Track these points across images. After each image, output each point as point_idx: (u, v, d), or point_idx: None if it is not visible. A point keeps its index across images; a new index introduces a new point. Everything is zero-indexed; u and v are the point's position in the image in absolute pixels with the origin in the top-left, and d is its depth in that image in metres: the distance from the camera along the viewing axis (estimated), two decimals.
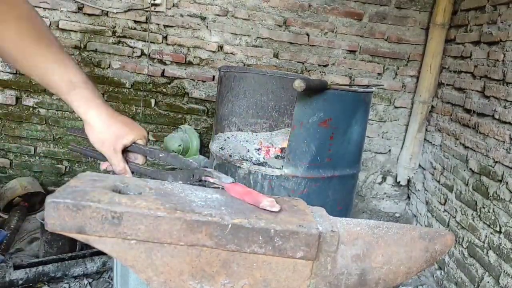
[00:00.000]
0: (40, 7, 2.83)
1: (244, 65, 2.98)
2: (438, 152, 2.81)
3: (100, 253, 2.18)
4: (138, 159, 0.87)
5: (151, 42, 2.92)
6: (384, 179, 3.26)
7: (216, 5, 2.90)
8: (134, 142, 0.84)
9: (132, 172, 0.85)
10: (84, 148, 0.95)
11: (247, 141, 2.21)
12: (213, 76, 3.01)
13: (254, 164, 1.91)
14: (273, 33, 2.96)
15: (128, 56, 2.95)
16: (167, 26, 2.92)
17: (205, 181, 0.79)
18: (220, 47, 2.98)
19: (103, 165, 0.88)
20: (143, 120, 3.04)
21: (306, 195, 1.82)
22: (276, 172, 1.82)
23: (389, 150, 3.20)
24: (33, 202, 2.79)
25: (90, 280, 2.16)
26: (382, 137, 3.18)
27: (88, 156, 0.95)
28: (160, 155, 0.85)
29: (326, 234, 0.64)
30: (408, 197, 3.26)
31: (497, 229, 2.05)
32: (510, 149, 2.02)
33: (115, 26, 2.90)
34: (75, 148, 0.98)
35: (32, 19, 0.78)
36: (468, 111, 2.47)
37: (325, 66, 3.02)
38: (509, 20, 2.16)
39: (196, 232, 0.60)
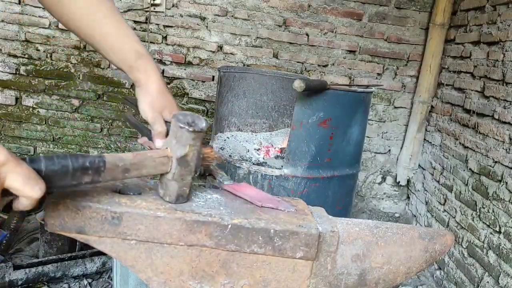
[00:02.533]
0: (40, 7, 2.82)
1: (243, 65, 2.98)
2: (437, 152, 2.81)
3: (100, 253, 2.18)
4: None
5: (150, 42, 2.92)
6: (383, 179, 3.26)
7: (216, 5, 2.90)
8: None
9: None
10: (134, 118, 1.01)
11: (246, 141, 2.21)
12: (213, 76, 3.01)
13: (253, 164, 1.91)
14: (272, 33, 2.96)
15: None
16: (167, 26, 2.92)
17: (208, 175, 0.79)
18: (220, 47, 2.98)
19: (141, 140, 0.93)
20: (143, 120, 3.03)
21: (305, 195, 1.82)
22: (276, 172, 1.83)
23: (389, 150, 3.20)
24: None
25: (90, 280, 2.16)
26: (382, 137, 3.18)
27: (133, 125, 1.00)
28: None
29: (326, 234, 0.64)
30: (408, 197, 3.26)
31: (497, 229, 2.05)
32: (509, 149, 2.02)
33: None
34: (128, 117, 1.05)
35: None
36: (467, 111, 2.47)
37: (324, 66, 3.02)
38: (508, 20, 2.16)
39: (196, 232, 0.60)
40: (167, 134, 0.86)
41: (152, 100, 0.85)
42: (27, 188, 0.51)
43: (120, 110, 3.03)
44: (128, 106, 3.03)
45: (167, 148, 0.65)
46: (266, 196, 0.71)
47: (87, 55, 2.93)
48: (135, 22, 2.90)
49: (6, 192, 0.52)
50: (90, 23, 0.81)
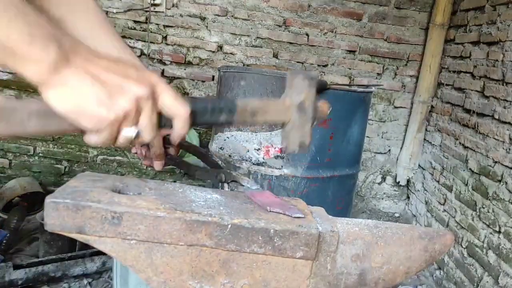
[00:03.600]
0: None
1: (243, 65, 2.98)
2: (437, 152, 2.81)
3: (99, 253, 2.18)
4: (171, 149, 0.89)
5: (150, 42, 2.93)
6: (383, 179, 3.26)
7: (216, 5, 2.91)
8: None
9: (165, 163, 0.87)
10: None
11: (246, 141, 2.21)
12: (213, 76, 3.01)
13: (253, 164, 1.91)
14: (272, 33, 2.96)
15: None
16: (167, 26, 2.92)
17: (232, 182, 0.80)
18: (220, 47, 2.98)
19: (134, 149, 0.91)
20: None
21: (305, 195, 1.82)
22: (276, 172, 1.83)
23: (389, 150, 3.21)
24: (32, 202, 2.79)
25: (90, 280, 2.16)
26: (382, 137, 3.18)
27: None
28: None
29: (325, 234, 0.64)
30: (408, 197, 3.26)
31: (497, 229, 2.05)
32: (509, 149, 2.02)
33: (115, 26, 2.90)
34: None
35: (98, 12, 0.85)
36: (467, 111, 2.47)
37: (324, 66, 3.02)
38: (508, 20, 2.16)
39: (195, 232, 0.60)
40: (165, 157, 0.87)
41: None
42: (176, 105, 0.55)
43: None
44: None
45: (288, 98, 0.68)
46: (279, 202, 0.71)
47: None
48: (135, 22, 2.90)
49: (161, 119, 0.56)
50: (88, 43, 0.82)
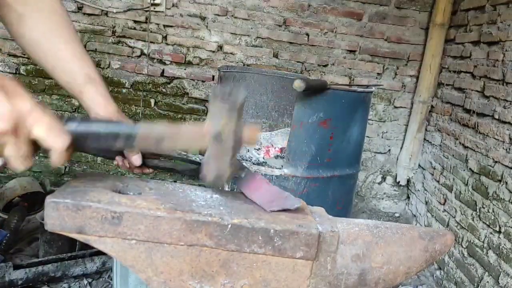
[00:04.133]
0: None
1: (243, 65, 2.98)
2: (437, 152, 2.81)
3: (99, 253, 2.18)
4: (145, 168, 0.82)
5: (150, 42, 2.92)
6: (383, 179, 3.26)
7: (216, 5, 2.90)
8: None
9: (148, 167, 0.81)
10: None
11: None
12: (213, 76, 3.01)
13: (254, 164, 1.91)
14: (272, 33, 2.96)
15: (128, 56, 2.95)
16: (167, 26, 2.92)
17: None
18: (220, 47, 2.98)
19: (116, 161, 0.85)
20: (142, 120, 3.04)
21: (305, 195, 1.82)
22: (276, 172, 1.83)
23: (389, 150, 3.20)
24: (32, 202, 2.79)
25: (90, 280, 2.16)
26: (382, 137, 3.18)
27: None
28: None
29: (326, 234, 0.64)
30: (408, 197, 3.26)
31: (497, 229, 2.05)
32: (509, 149, 2.02)
33: (114, 26, 2.90)
34: None
35: (59, 12, 0.81)
36: (467, 111, 2.47)
37: (324, 66, 3.02)
38: (508, 20, 2.16)
39: (196, 232, 0.60)
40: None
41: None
42: (50, 138, 0.51)
43: (120, 110, 3.03)
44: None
45: (207, 123, 0.61)
46: (275, 193, 0.70)
47: None
48: (135, 22, 2.90)
49: (37, 146, 0.53)
50: (44, 44, 0.79)
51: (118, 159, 0.79)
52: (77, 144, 0.54)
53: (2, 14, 0.79)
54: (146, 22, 2.90)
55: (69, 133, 0.53)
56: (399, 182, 3.19)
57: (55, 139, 0.52)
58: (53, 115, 0.53)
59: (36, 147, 0.53)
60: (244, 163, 1.88)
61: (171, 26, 2.92)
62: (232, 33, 2.95)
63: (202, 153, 0.62)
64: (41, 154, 3.02)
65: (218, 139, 0.59)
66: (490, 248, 2.09)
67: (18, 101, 0.49)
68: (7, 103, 0.48)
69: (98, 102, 0.79)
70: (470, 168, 2.36)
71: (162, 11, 2.89)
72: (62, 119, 0.55)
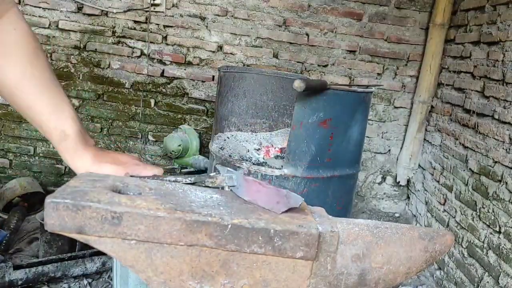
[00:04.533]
0: (40, 7, 2.83)
1: (243, 65, 2.98)
2: (437, 152, 2.81)
3: (99, 253, 2.18)
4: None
5: (150, 42, 2.92)
6: (383, 179, 3.26)
7: (216, 5, 2.90)
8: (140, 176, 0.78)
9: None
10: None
11: (246, 141, 2.21)
12: (213, 76, 3.01)
13: (253, 164, 1.91)
14: (272, 33, 2.96)
15: (128, 56, 2.95)
16: (167, 26, 2.92)
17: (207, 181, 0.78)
18: (220, 47, 2.98)
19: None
20: (142, 120, 3.04)
21: (305, 195, 1.82)
22: (276, 172, 1.83)
23: (389, 150, 3.20)
24: (32, 202, 2.79)
25: (90, 280, 2.16)
26: (382, 137, 3.18)
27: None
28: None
29: (326, 234, 0.64)
30: (408, 197, 3.26)
31: (497, 229, 2.05)
32: (509, 149, 2.02)
33: (114, 26, 2.90)
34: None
35: (37, 57, 0.76)
36: (467, 111, 2.47)
37: (324, 66, 3.02)
38: (508, 20, 2.16)
39: (195, 232, 0.60)
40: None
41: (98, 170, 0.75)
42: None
43: (120, 110, 3.03)
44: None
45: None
46: (276, 193, 0.71)
47: (87, 55, 2.93)
48: (135, 22, 2.90)
49: None
50: (19, 93, 0.73)
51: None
52: None
53: None
54: (146, 22, 2.90)
55: None
56: (399, 182, 3.19)
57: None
58: None
59: None
60: (244, 163, 1.88)
61: (171, 26, 2.92)
62: (232, 33, 2.95)
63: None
64: (41, 155, 3.03)
65: None
66: (490, 248, 2.09)
67: None
68: None
69: (71, 158, 0.76)
70: (470, 168, 2.36)
71: (162, 11, 2.89)
72: None
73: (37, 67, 0.75)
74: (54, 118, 0.74)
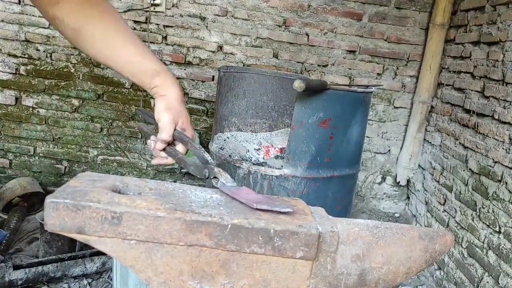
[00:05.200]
0: None
1: (243, 65, 2.98)
2: (437, 152, 2.81)
3: (99, 253, 2.18)
4: (178, 146, 0.92)
5: (150, 42, 2.92)
6: (383, 179, 3.26)
7: (216, 5, 2.90)
8: (183, 133, 0.91)
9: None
10: (147, 112, 1.04)
11: (246, 141, 2.21)
12: (213, 76, 3.01)
13: (253, 164, 1.91)
14: (272, 33, 2.96)
15: None
16: (167, 26, 2.92)
17: (213, 178, 0.78)
18: (220, 47, 2.98)
19: (150, 142, 0.95)
20: (142, 120, 3.04)
21: (305, 195, 1.82)
22: (276, 172, 1.83)
23: (389, 150, 3.20)
24: (32, 202, 2.79)
25: (90, 280, 2.16)
26: (382, 137, 3.18)
27: (147, 121, 1.03)
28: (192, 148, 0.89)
29: (325, 234, 0.64)
30: (408, 197, 3.26)
31: (497, 229, 2.05)
32: (509, 149, 2.02)
33: None
34: (141, 110, 1.11)
35: (113, 14, 0.87)
36: (467, 111, 2.47)
37: (324, 66, 3.02)
38: (508, 20, 2.16)
39: (195, 232, 0.60)
40: (171, 144, 0.91)
41: (168, 105, 0.89)
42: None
43: (120, 110, 3.03)
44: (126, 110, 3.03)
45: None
46: (264, 198, 0.70)
47: (87, 55, 2.93)
48: (135, 22, 2.90)
49: None
50: (107, 48, 0.87)
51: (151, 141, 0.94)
52: None
53: (59, 30, 0.87)
54: (146, 22, 2.90)
55: None
56: (399, 182, 3.19)
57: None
58: None
59: None
60: (244, 163, 1.88)
61: (171, 27, 2.92)
62: (232, 33, 2.95)
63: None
64: (40, 155, 3.03)
65: None
66: (490, 249, 2.09)
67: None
68: None
69: (164, 91, 0.89)
70: (470, 168, 2.36)
71: (162, 12, 2.89)
72: None
73: (115, 21, 0.87)
74: (144, 62, 0.88)
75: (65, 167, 3.10)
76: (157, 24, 2.91)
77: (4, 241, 2.28)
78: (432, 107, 2.96)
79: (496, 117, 2.15)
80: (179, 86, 0.92)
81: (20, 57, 2.90)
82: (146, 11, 2.87)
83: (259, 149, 2.11)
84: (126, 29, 0.88)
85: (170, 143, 0.92)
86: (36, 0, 0.83)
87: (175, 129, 0.90)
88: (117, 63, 0.89)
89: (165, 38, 2.94)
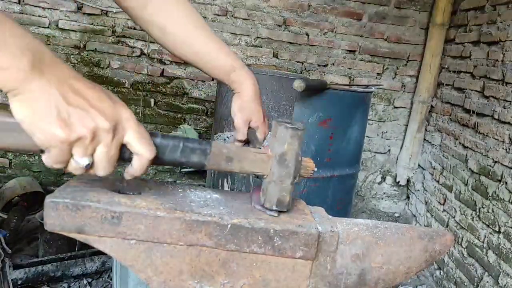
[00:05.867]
0: (40, 7, 2.82)
1: None
2: (437, 152, 2.81)
3: (99, 253, 2.18)
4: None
5: (150, 42, 2.92)
6: (383, 179, 3.26)
7: (216, 5, 2.90)
8: (254, 133, 0.92)
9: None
10: None
11: None
12: None
13: None
14: (272, 33, 2.96)
15: (128, 56, 2.95)
16: None
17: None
18: None
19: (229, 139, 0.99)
20: (142, 120, 3.03)
21: (305, 194, 1.82)
22: None
23: (389, 150, 3.20)
24: (32, 202, 2.79)
25: (90, 280, 2.16)
26: (382, 137, 3.18)
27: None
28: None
29: (325, 234, 0.64)
30: (408, 197, 3.26)
31: (496, 229, 2.05)
32: (509, 149, 2.02)
33: (114, 26, 2.90)
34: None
35: (187, 4, 0.90)
36: (467, 111, 2.47)
37: (324, 66, 3.02)
38: (508, 20, 2.16)
39: (195, 232, 0.60)
40: (247, 143, 0.92)
41: (241, 105, 0.91)
42: (141, 145, 0.55)
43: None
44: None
45: (268, 148, 0.65)
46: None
47: (87, 55, 2.93)
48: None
49: (124, 152, 0.56)
50: (185, 40, 0.90)
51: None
52: (158, 155, 0.59)
53: (149, 33, 0.91)
54: None
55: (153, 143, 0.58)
56: (398, 182, 3.19)
57: (146, 147, 0.55)
58: (143, 127, 0.56)
59: (120, 156, 0.55)
60: None
61: None
62: (232, 33, 2.95)
63: (263, 177, 0.66)
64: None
65: (282, 161, 0.62)
66: (489, 248, 2.09)
67: (121, 107, 0.53)
68: (113, 105, 0.52)
69: (240, 86, 0.91)
70: (470, 168, 2.36)
71: None
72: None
73: (190, 12, 0.90)
74: (221, 57, 0.90)
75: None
76: None
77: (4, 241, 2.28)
78: (432, 107, 2.96)
79: (496, 117, 2.15)
80: (254, 82, 0.92)
81: None
82: None
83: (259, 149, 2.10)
84: (204, 27, 0.91)
85: (247, 142, 0.94)
86: (124, 3, 0.88)
87: (249, 128, 0.91)
88: (198, 63, 0.93)
89: None
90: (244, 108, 0.90)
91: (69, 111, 0.49)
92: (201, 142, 0.62)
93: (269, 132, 0.81)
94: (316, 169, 0.68)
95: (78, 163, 0.52)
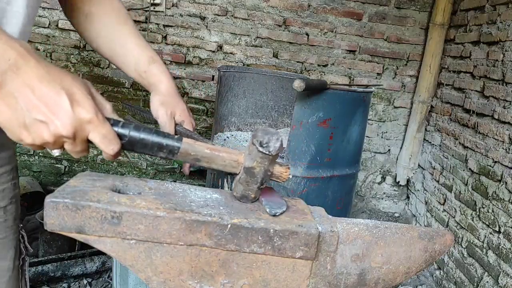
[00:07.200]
0: (40, 7, 2.82)
1: (243, 65, 2.98)
2: (437, 152, 2.81)
3: (99, 253, 2.18)
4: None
5: (150, 42, 2.92)
6: (383, 179, 3.26)
7: (216, 5, 2.90)
8: (182, 126, 0.92)
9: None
10: (139, 108, 1.06)
11: (246, 141, 2.21)
12: (213, 76, 3.01)
13: None
14: (272, 33, 2.96)
15: None
16: (167, 25, 2.92)
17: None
18: (220, 47, 2.98)
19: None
20: (142, 120, 3.03)
21: (305, 194, 1.82)
22: None
23: (389, 150, 3.21)
24: (32, 202, 2.79)
25: (90, 279, 2.16)
26: (382, 137, 3.18)
27: (139, 113, 1.05)
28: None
29: (325, 234, 0.64)
30: (408, 197, 3.26)
31: (496, 229, 2.05)
32: (509, 149, 2.02)
33: None
34: (131, 106, 1.15)
35: (119, 8, 0.93)
36: (467, 111, 2.47)
37: (324, 66, 3.02)
38: (508, 20, 2.16)
39: (195, 232, 0.60)
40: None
41: (162, 99, 0.90)
42: (102, 145, 0.59)
43: (120, 110, 3.03)
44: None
45: (242, 153, 0.68)
46: (273, 193, 0.71)
47: (87, 55, 2.93)
48: (135, 21, 2.89)
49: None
50: (111, 39, 0.92)
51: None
52: (126, 147, 0.63)
53: (71, 16, 0.95)
54: (146, 22, 2.90)
55: (121, 136, 0.61)
56: (398, 182, 3.19)
57: (108, 146, 0.60)
58: (107, 125, 0.59)
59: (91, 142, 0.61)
60: None
61: (171, 26, 2.92)
62: (232, 33, 2.95)
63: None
64: (40, 154, 3.03)
65: (250, 172, 0.65)
66: (489, 248, 2.09)
67: (81, 110, 0.56)
68: (71, 112, 0.55)
69: (160, 80, 0.92)
70: (469, 168, 2.36)
71: (162, 11, 2.89)
72: (119, 123, 0.62)
73: (121, 17, 0.93)
74: (140, 49, 0.92)
75: (65, 167, 3.10)
76: (157, 24, 2.91)
77: None
78: (432, 107, 2.96)
79: (496, 117, 2.15)
80: (171, 77, 0.93)
81: None
82: (146, 11, 2.87)
83: None
84: (127, 19, 0.94)
85: None
86: None
87: (176, 124, 0.91)
88: (115, 49, 0.93)
89: (165, 37, 2.94)
90: (166, 102, 0.90)
91: (31, 122, 0.53)
92: (170, 143, 0.64)
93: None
94: (290, 177, 0.70)
95: (52, 152, 0.59)
